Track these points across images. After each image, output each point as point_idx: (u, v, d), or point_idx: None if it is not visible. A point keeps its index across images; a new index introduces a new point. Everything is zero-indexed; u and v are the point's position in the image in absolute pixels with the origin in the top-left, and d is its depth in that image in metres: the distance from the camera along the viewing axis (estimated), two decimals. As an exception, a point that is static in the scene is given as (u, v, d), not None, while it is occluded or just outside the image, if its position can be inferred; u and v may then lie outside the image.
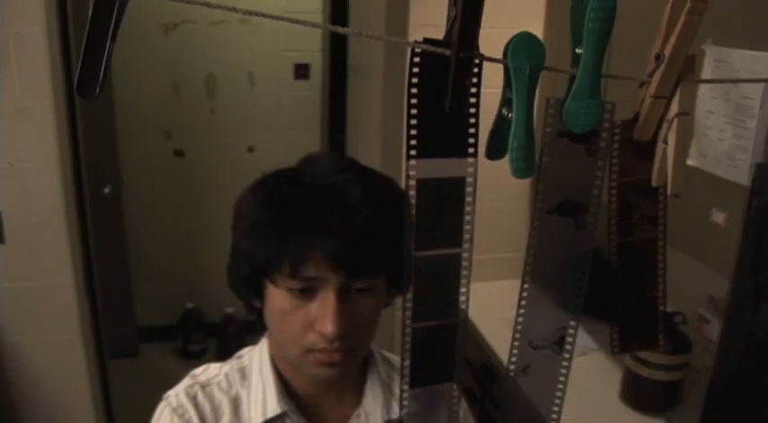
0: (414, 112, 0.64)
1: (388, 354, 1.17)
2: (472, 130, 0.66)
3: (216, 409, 1.03)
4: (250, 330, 3.82)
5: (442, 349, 0.74)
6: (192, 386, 1.05)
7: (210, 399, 1.04)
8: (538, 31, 2.32)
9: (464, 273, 0.73)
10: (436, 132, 0.65)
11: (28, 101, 2.07)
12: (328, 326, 0.89)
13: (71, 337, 2.33)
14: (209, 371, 1.09)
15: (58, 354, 2.33)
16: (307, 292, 0.91)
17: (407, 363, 0.73)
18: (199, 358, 3.91)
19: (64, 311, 2.30)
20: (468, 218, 0.70)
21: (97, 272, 2.59)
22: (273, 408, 1.01)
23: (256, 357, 1.08)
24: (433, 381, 0.77)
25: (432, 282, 0.72)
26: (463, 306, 0.74)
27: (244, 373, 1.07)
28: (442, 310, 0.73)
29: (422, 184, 0.67)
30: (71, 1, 2.18)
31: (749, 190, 1.04)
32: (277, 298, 0.94)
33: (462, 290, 0.74)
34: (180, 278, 4.07)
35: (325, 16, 3.63)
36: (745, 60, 1.46)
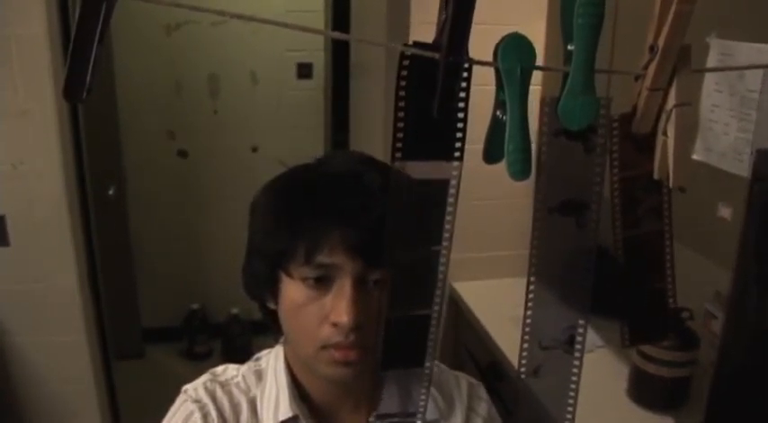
0: (401, 114, 0.64)
1: None
2: (459, 134, 0.66)
3: (235, 407, 1.01)
4: (255, 331, 3.84)
5: (416, 338, 0.75)
6: (211, 382, 1.04)
7: (229, 396, 1.02)
8: (540, 27, 2.31)
9: (441, 269, 0.73)
10: (423, 135, 0.65)
11: (30, 102, 2.06)
12: (343, 315, 0.86)
13: (75, 339, 2.33)
14: (228, 372, 1.07)
15: (63, 355, 2.33)
16: (322, 282, 0.89)
17: (381, 347, 0.74)
18: (204, 359, 3.91)
19: (68, 313, 2.30)
20: (448, 218, 0.70)
21: (101, 273, 2.59)
22: (285, 411, 0.98)
23: (272, 360, 1.06)
24: (403, 365, 0.78)
25: (410, 276, 0.72)
26: (439, 300, 0.74)
27: (260, 376, 1.05)
28: (418, 302, 0.73)
29: (407, 184, 0.67)
30: (72, 2, 2.17)
31: (750, 177, 1.03)
32: (292, 290, 0.92)
33: (439, 284, 0.74)
34: (184, 279, 4.07)
35: (327, 15, 3.63)
36: (750, 53, 1.44)
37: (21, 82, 2.04)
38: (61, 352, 2.33)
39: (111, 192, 3.37)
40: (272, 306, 0.99)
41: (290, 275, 0.91)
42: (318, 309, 0.90)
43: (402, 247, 0.71)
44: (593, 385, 0.86)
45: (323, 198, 0.90)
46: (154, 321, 4.01)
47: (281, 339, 1.05)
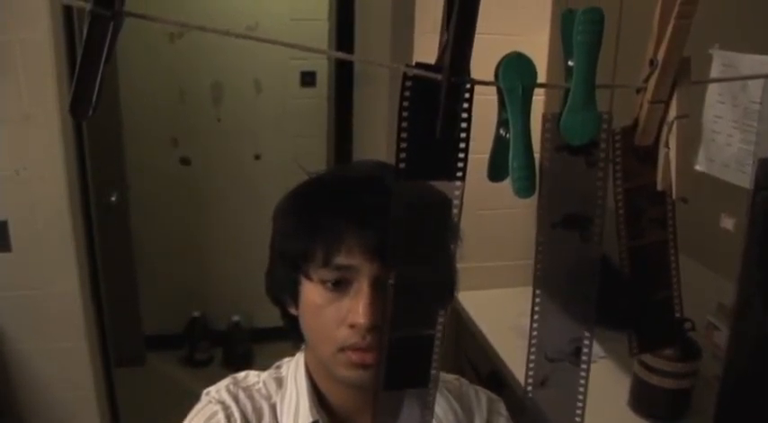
0: (404, 135, 0.64)
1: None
2: (461, 155, 0.67)
3: (257, 411, 1.02)
4: (256, 338, 3.84)
5: (419, 358, 0.74)
6: (234, 385, 1.05)
7: (252, 401, 1.03)
8: (543, 39, 2.32)
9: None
10: (426, 154, 0.66)
11: (34, 108, 2.07)
12: (360, 317, 0.87)
13: (77, 345, 2.33)
14: (250, 378, 1.08)
15: (64, 362, 2.33)
16: (340, 286, 0.90)
17: (383, 366, 0.73)
18: (205, 367, 3.90)
19: (70, 319, 2.29)
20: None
21: (103, 279, 2.58)
22: (305, 416, 0.99)
23: (293, 367, 1.07)
24: (406, 385, 0.77)
25: (412, 295, 0.71)
26: (441, 319, 0.74)
27: (280, 383, 1.06)
28: (420, 321, 0.73)
29: (409, 203, 0.67)
30: (77, 7, 2.18)
31: (752, 185, 1.04)
32: (311, 293, 0.93)
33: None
34: (186, 286, 4.07)
35: (331, 23, 3.63)
36: (753, 64, 1.44)
37: (25, 87, 2.04)
38: (62, 358, 2.32)
39: (113, 198, 3.37)
40: (293, 311, 1.00)
41: (309, 278, 0.92)
42: (336, 311, 0.91)
43: (404, 264, 0.70)
44: (594, 396, 0.86)
45: (341, 199, 0.91)
46: (155, 328, 4.00)
47: (302, 347, 1.06)
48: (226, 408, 1.00)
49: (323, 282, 0.91)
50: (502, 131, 0.68)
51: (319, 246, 0.89)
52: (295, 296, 0.97)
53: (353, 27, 3.03)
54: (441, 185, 0.67)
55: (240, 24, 3.66)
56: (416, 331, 0.72)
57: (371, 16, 2.78)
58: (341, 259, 0.88)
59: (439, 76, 0.63)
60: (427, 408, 1.07)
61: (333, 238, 0.88)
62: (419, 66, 0.63)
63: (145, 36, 3.61)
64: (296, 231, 0.93)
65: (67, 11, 2.14)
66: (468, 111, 0.65)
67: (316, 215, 0.92)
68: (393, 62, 2.37)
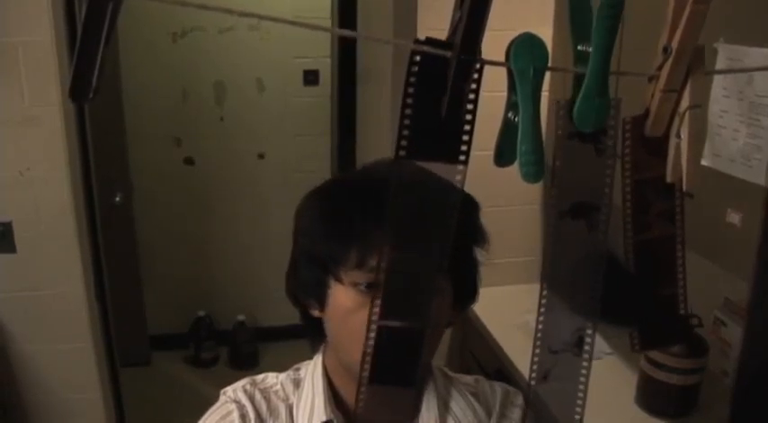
0: (408, 112, 0.62)
1: (447, 370, 1.15)
2: (465, 137, 0.64)
3: (272, 411, 1.03)
4: (262, 338, 3.84)
5: (407, 352, 0.72)
6: (251, 385, 1.05)
7: (267, 401, 1.03)
8: (547, 32, 2.31)
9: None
10: (429, 135, 0.63)
11: (37, 109, 2.07)
12: None
13: (82, 346, 2.33)
14: (268, 380, 1.08)
15: (69, 362, 2.33)
16: (374, 288, 0.89)
17: (369, 358, 0.70)
18: (210, 366, 3.90)
19: (75, 320, 2.29)
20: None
21: (107, 280, 2.59)
22: (319, 415, 0.99)
23: (311, 368, 1.07)
24: (393, 382, 0.74)
25: (405, 283, 0.69)
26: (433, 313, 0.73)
27: (297, 384, 1.07)
28: (412, 312, 0.71)
29: (407, 185, 0.65)
30: (79, 9, 2.18)
31: (767, 183, 1.02)
32: (341, 296, 0.92)
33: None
34: (191, 286, 4.07)
35: (334, 22, 3.63)
36: (759, 58, 1.43)
37: (27, 89, 2.04)
38: (67, 358, 2.33)
39: (117, 198, 3.37)
40: (315, 313, 0.99)
41: (340, 281, 0.92)
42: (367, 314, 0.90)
43: (400, 252, 0.68)
44: (601, 393, 0.86)
45: (374, 202, 0.90)
46: (160, 328, 4.00)
47: (321, 348, 1.06)
48: (241, 407, 1.01)
49: (355, 284, 0.90)
50: (510, 115, 0.66)
51: (353, 248, 0.89)
52: (321, 299, 0.96)
53: (356, 25, 3.03)
54: (442, 168, 0.65)
55: (242, 23, 3.66)
56: (406, 324, 0.70)
57: (373, 14, 2.78)
58: (375, 261, 0.88)
59: (448, 54, 0.61)
60: (447, 409, 1.05)
61: (367, 240, 0.88)
62: (429, 42, 0.61)
63: (147, 36, 3.61)
64: (328, 235, 0.93)
65: (70, 12, 2.14)
66: (476, 92, 0.63)
67: (349, 219, 0.91)
68: (395, 59, 2.37)
